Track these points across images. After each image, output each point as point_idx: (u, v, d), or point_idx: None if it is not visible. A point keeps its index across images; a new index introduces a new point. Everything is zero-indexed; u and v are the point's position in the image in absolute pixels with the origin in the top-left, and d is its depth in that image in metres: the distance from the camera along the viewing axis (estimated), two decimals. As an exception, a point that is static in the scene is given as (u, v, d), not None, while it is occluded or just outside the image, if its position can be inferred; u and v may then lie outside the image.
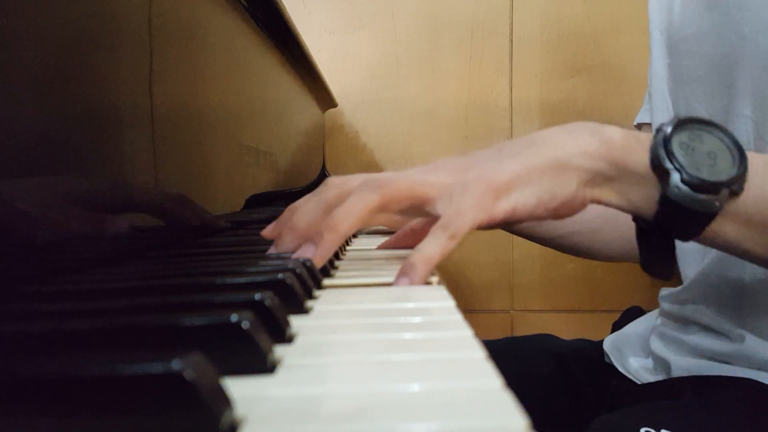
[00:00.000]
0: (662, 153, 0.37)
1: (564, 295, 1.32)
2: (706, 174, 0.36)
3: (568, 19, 1.28)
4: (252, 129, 0.70)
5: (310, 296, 0.33)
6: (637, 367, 0.66)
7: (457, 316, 0.28)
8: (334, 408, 0.18)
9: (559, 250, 0.73)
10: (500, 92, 1.30)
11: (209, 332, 0.21)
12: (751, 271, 0.55)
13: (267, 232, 0.45)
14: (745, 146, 0.52)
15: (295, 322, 0.27)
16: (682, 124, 0.38)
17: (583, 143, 0.39)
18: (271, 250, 0.42)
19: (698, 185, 0.36)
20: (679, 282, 0.65)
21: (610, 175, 0.39)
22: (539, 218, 0.40)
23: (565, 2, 1.28)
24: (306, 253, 0.38)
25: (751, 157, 0.38)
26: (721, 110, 0.58)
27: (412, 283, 0.36)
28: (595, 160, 0.38)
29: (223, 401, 0.17)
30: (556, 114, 1.30)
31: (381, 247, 0.56)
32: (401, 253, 0.51)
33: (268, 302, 0.25)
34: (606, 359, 0.71)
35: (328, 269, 0.42)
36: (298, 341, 0.25)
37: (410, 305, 0.31)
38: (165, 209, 0.47)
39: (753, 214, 0.38)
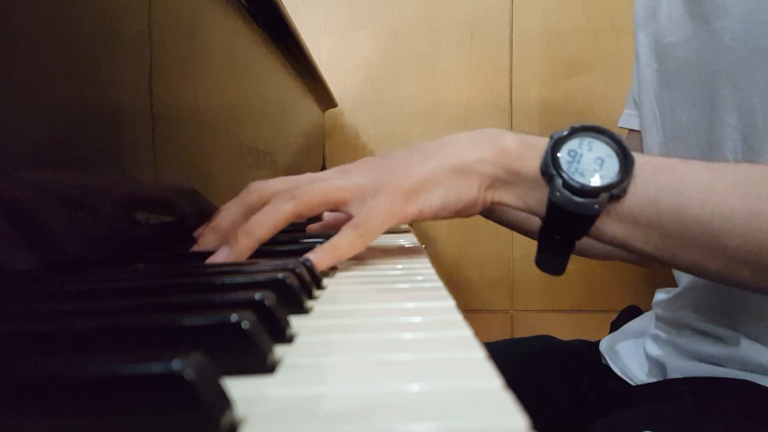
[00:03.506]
0: (548, 159, 0.40)
1: (564, 295, 1.32)
2: (587, 179, 0.39)
3: (568, 19, 1.28)
4: (252, 129, 0.70)
5: (310, 296, 0.33)
6: (633, 369, 0.66)
7: (457, 316, 0.28)
8: (334, 408, 0.18)
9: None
10: (500, 92, 1.30)
11: (209, 332, 0.21)
12: None
13: (197, 231, 0.47)
14: (732, 156, 0.53)
15: (295, 322, 0.27)
16: (575, 132, 0.41)
17: (482, 151, 0.42)
18: (194, 249, 0.44)
19: (578, 189, 0.39)
20: (674, 284, 0.65)
21: (507, 179, 0.42)
22: (443, 218, 0.43)
23: (565, 2, 1.28)
24: (220, 255, 0.41)
25: (641, 161, 0.40)
26: (704, 118, 0.57)
27: (315, 262, 0.38)
28: (492, 166, 0.42)
29: (223, 401, 0.17)
30: (556, 114, 1.30)
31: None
32: (401, 253, 0.51)
33: (268, 302, 0.25)
34: (603, 361, 0.71)
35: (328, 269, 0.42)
36: (298, 341, 0.25)
37: (410, 305, 0.31)
38: (173, 209, 0.48)
39: (638, 215, 0.40)
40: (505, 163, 0.42)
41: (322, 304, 0.32)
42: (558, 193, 0.39)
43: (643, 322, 0.72)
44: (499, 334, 1.33)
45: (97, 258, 0.38)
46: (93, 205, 0.37)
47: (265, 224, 0.41)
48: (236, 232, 0.41)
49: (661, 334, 0.64)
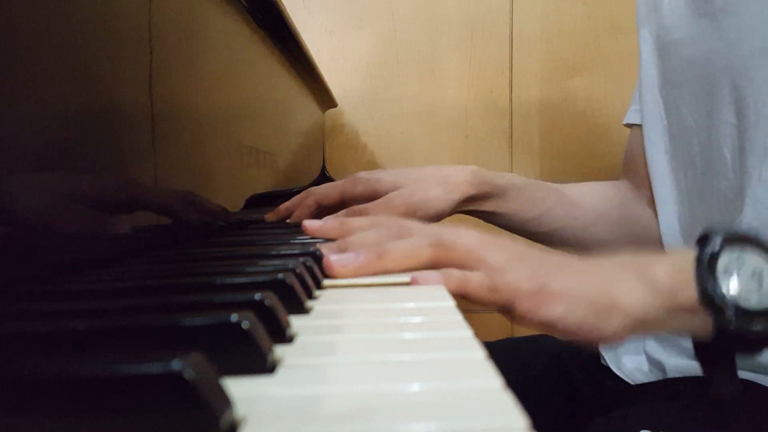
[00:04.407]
0: (711, 289, 0.36)
1: (564, 295, 1.32)
2: (755, 302, 0.36)
3: (568, 19, 1.28)
4: (252, 129, 0.70)
5: (310, 296, 0.33)
6: (632, 368, 0.66)
7: (457, 316, 0.28)
8: (334, 408, 0.18)
9: (545, 245, 0.73)
10: (500, 92, 1.30)
11: (209, 332, 0.21)
12: None
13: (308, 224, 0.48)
14: (729, 155, 0.53)
15: (295, 322, 0.27)
16: (720, 247, 0.37)
17: (631, 288, 0.38)
18: (332, 256, 0.41)
19: (754, 315, 0.36)
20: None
21: (659, 317, 0.38)
22: (571, 339, 0.39)
23: (565, 2, 1.28)
24: (347, 260, 0.39)
25: None
26: (705, 116, 0.57)
27: (438, 282, 0.37)
28: (643, 304, 0.38)
29: (223, 401, 0.17)
30: (556, 114, 1.30)
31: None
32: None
33: (268, 302, 0.25)
34: (602, 360, 0.71)
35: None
36: (298, 341, 0.25)
37: (410, 305, 0.31)
38: (173, 208, 0.48)
39: None
40: (659, 299, 0.38)
41: (322, 304, 0.32)
42: (731, 324, 0.36)
43: None
44: (499, 334, 1.32)
45: (97, 258, 0.38)
46: (93, 204, 0.37)
47: (400, 260, 0.39)
48: (374, 249, 0.39)
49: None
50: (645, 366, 0.65)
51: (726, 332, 0.36)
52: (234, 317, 0.21)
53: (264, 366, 0.21)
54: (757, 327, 0.36)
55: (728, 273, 0.37)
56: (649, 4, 0.67)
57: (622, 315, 0.37)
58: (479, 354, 0.22)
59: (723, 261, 0.37)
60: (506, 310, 0.38)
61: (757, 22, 0.51)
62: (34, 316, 0.26)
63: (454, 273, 0.37)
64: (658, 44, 0.65)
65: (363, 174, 0.64)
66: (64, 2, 0.34)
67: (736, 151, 0.54)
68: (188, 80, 0.52)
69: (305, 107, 1.05)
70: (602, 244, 0.71)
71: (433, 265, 0.39)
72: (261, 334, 0.22)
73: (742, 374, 0.54)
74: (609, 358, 0.70)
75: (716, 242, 0.37)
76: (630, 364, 0.67)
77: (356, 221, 0.47)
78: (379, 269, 0.39)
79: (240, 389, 0.18)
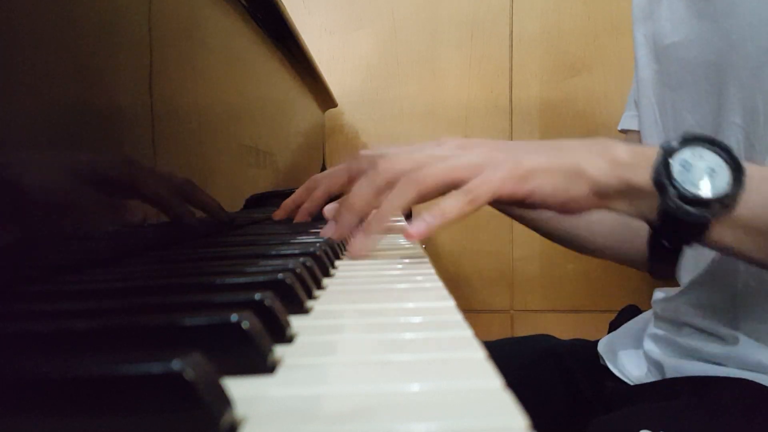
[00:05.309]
0: (661, 170, 0.41)
1: (564, 295, 1.32)
2: (699, 190, 0.40)
3: (568, 19, 1.28)
4: (252, 129, 0.70)
5: (310, 296, 0.33)
6: (631, 369, 0.66)
7: (457, 316, 0.28)
8: (334, 408, 0.18)
9: (547, 238, 0.74)
10: (500, 92, 1.30)
11: (209, 332, 0.21)
12: (743, 278, 0.55)
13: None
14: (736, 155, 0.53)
15: (295, 322, 0.27)
16: (686, 141, 0.42)
17: (595, 159, 0.43)
18: (330, 229, 0.50)
19: (691, 200, 0.40)
20: (675, 284, 0.65)
21: (619, 188, 0.43)
22: (549, 207, 0.45)
23: (565, 2, 1.28)
24: (358, 242, 0.46)
25: (751, 170, 0.41)
26: (710, 117, 0.58)
27: (424, 228, 0.42)
28: (605, 175, 0.43)
29: (223, 401, 0.17)
30: (556, 114, 1.30)
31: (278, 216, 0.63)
32: (401, 253, 0.51)
33: (268, 302, 0.25)
34: (600, 361, 0.71)
35: (328, 269, 0.42)
36: (298, 341, 0.25)
37: (410, 305, 0.31)
38: (171, 202, 0.48)
39: (749, 223, 0.41)
40: (617, 172, 0.43)
41: (322, 304, 0.32)
42: (671, 203, 0.40)
43: (642, 321, 0.72)
44: (499, 334, 1.33)
45: (97, 258, 0.38)
46: (93, 204, 0.37)
47: (394, 210, 0.45)
48: (369, 219, 0.46)
49: (660, 333, 0.64)
50: (644, 366, 0.65)
51: (667, 212, 0.41)
52: (234, 317, 0.21)
53: (264, 366, 0.21)
54: (693, 211, 0.40)
55: (684, 163, 0.41)
56: (645, 8, 0.67)
57: (588, 182, 0.43)
58: (479, 354, 0.22)
59: (683, 153, 0.41)
60: (492, 200, 0.43)
61: (759, 21, 0.51)
62: (34, 316, 0.26)
63: (431, 216, 0.43)
64: (655, 48, 0.65)
65: (364, 151, 0.66)
66: (64, 2, 0.34)
67: (742, 152, 0.54)
68: (188, 80, 0.52)
69: (305, 107, 1.05)
70: (595, 244, 0.71)
71: (423, 200, 0.45)
72: (261, 334, 0.22)
73: (741, 373, 0.54)
74: (608, 358, 0.70)
75: (683, 138, 0.42)
76: (629, 364, 0.67)
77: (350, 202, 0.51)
78: (384, 229, 0.45)
79: (240, 389, 0.18)
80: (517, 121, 1.30)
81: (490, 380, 0.19)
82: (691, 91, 0.60)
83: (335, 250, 0.48)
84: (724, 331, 0.56)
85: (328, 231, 0.50)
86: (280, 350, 0.23)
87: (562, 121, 1.30)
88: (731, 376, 0.54)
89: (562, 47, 1.29)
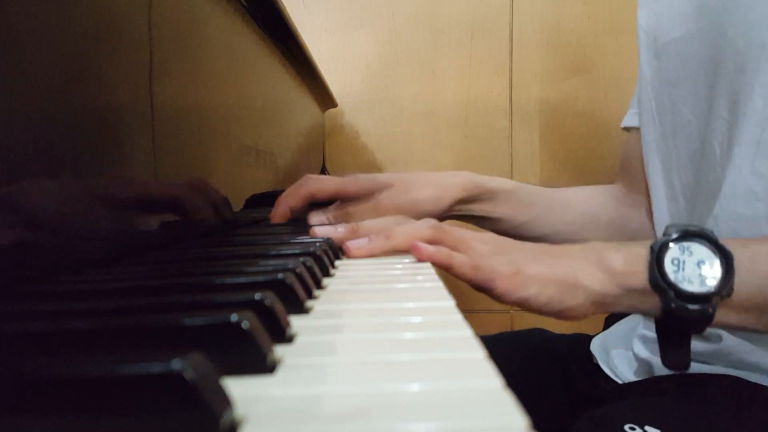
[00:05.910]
0: (656, 273, 0.43)
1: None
2: (696, 286, 0.43)
3: (568, 19, 1.28)
4: (252, 129, 0.70)
5: (310, 296, 0.33)
6: (622, 369, 0.66)
7: (457, 316, 0.28)
8: (334, 408, 0.18)
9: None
10: (500, 92, 1.30)
11: (209, 332, 0.21)
12: None
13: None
14: (719, 148, 0.56)
15: (295, 322, 0.27)
16: (672, 239, 0.44)
17: (593, 270, 0.46)
18: (329, 230, 0.52)
19: (691, 298, 0.43)
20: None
21: (617, 294, 0.45)
22: (543, 315, 0.47)
23: (565, 2, 1.28)
24: (359, 244, 0.49)
25: (737, 253, 0.43)
26: (705, 111, 0.58)
27: (418, 258, 0.45)
28: (602, 284, 0.45)
29: (223, 401, 0.17)
30: (556, 114, 1.30)
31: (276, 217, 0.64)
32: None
33: (268, 302, 0.25)
34: (593, 360, 0.71)
35: (328, 268, 0.42)
36: (298, 341, 0.25)
37: (410, 305, 0.31)
38: (181, 199, 0.49)
39: (747, 303, 0.44)
40: (616, 281, 0.45)
41: (322, 304, 0.32)
42: (672, 304, 0.43)
43: (632, 320, 0.72)
44: (499, 334, 1.33)
45: (97, 258, 0.38)
46: (93, 204, 0.37)
47: (403, 244, 0.48)
48: (383, 233, 0.49)
49: (648, 333, 0.64)
50: (634, 365, 0.65)
51: (670, 311, 0.43)
52: (234, 317, 0.21)
53: (264, 366, 0.21)
54: (695, 308, 0.43)
55: (675, 261, 0.44)
56: (648, 4, 0.67)
57: (584, 293, 0.45)
58: (479, 354, 0.22)
59: (672, 251, 0.44)
60: (486, 288, 0.46)
61: (754, 16, 0.52)
62: (34, 316, 0.26)
63: (445, 249, 0.46)
64: (655, 43, 0.65)
65: (361, 175, 0.68)
66: (64, 2, 0.34)
67: (725, 144, 0.54)
68: (188, 80, 0.52)
69: (305, 107, 1.05)
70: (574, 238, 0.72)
71: (431, 244, 0.47)
72: (261, 334, 0.22)
73: (726, 371, 0.54)
74: (600, 357, 0.70)
75: (669, 235, 0.44)
76: (620, 364, 0.67)
77: (367, 224, 0.53)
78: (388, 248, 0.48)
79: (240, 389, 0.18)
80: (517, 121, 1.30)
81: (490, 380, 0.19)
82: (689, 86, 0.60)
83: (335, 250, 0.48)
84: (707, 329, 0.56)
85: (327, 231, 0.52)
86: (280, 350, 0.23)
87: (562, 121, 1.30)
88: (718, 373, 0.55)
89: (562, 47, 1.29)
